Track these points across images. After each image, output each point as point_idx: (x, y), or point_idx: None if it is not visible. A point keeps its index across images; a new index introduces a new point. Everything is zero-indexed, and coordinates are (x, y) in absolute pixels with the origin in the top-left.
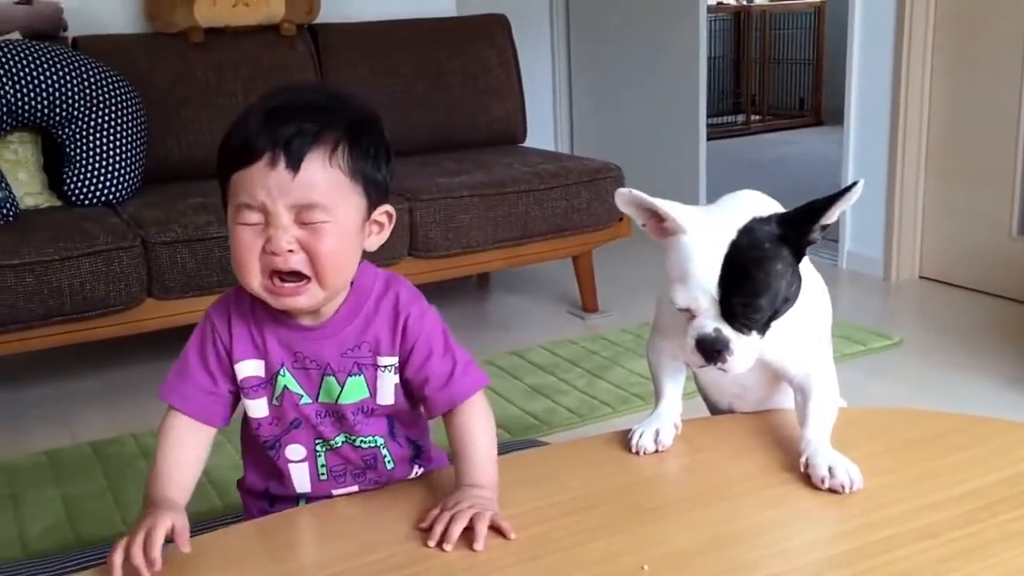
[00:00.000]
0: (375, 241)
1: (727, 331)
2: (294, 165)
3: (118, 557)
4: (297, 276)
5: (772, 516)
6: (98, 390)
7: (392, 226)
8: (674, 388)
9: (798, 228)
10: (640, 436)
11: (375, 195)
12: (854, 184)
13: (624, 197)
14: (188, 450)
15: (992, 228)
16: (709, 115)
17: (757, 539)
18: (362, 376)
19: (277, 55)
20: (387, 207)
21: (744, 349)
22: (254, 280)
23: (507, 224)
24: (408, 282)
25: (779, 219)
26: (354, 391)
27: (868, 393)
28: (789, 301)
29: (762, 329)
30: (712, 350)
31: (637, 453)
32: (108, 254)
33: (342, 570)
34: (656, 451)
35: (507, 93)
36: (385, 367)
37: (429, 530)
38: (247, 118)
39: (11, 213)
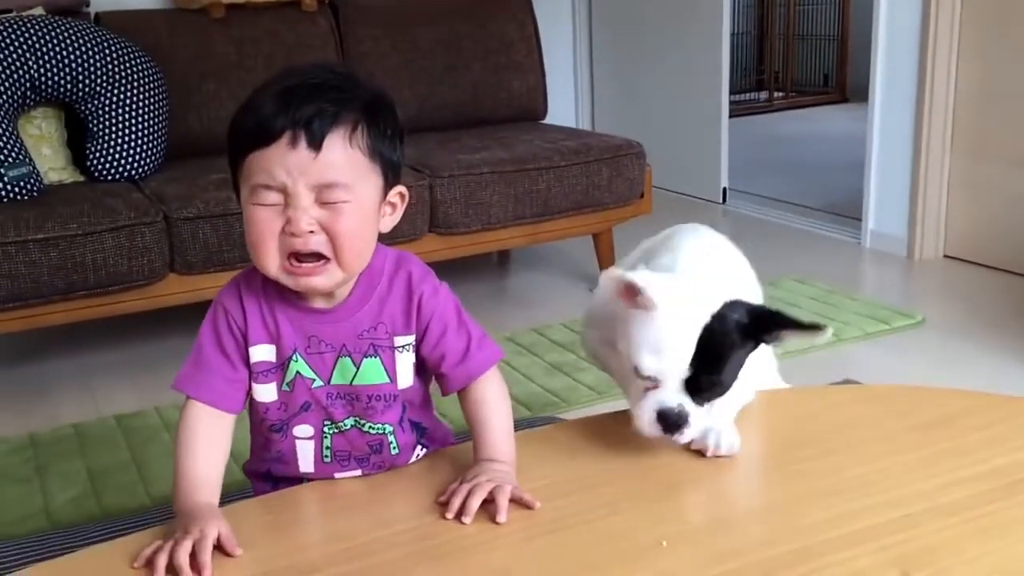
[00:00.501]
0: (389, 222)
1: (688, 405)
2: (316, 144)
3: (162, 559)
4: (316, 257)
5: (789, 493)
6: (122, 364)
7: (404, 207)
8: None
9: (761, 328)
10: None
11: (391, 176)
12: (822, 328)
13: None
14: (216, 445)
15: (1018, 206)
16: (732, 92)
17: (773, 516)
18: (378, 358)
19: (298, 30)
20: (401, 188)
21: (698, 422)
22: (272, 262)
23: (528, 201)
24: (418, 259)
25: (748, 311)
26: (371, 374)
27: (890, 372)
28: (726, 390)
29: (712, 403)
30: (674, 423)
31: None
32: (131, 229)
33: (356, 544)
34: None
35: (528, 69)
36: (402, 347)
37: (447, 504)
38: (260, 98)
39: (35, 188)
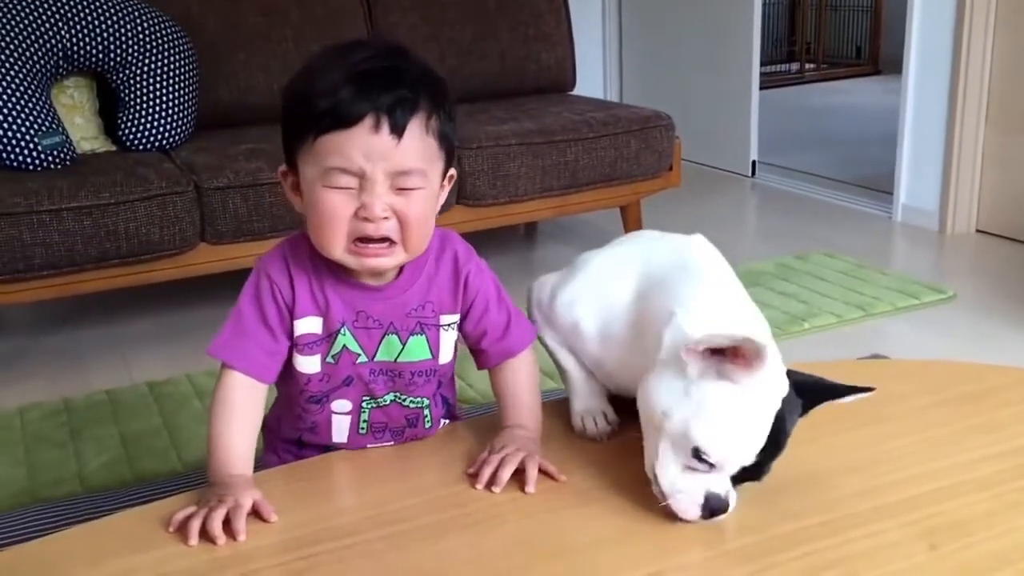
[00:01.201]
0: (438, 203)
1: (732, 491)
2: (399, 131)
3: (196, 524)
4: (383, 240)
5: (819, 467)
6: (153, 332)
7: (450, 187)
8: (568, 354)
9: (812, 404)
10: (594, 422)
11: (449, 159)
12: (869, 390)
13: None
14: (251, 416)
15: None
16: (762, 63)
17: (803, 488)
18: (424, 336)
19: (328, 1)
20: (452, 170)
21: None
22: (338, 245)
23: (555, 173)
24: (460, 237)
25: (795, 383)
26: (416, 350)
27: (921, 347)
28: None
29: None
30: (717, 510)
31: (597, 440)
32: (163, 199)
33: (386, 511)
34: (612, 432)
35: (557, 40)
36: (448, 325)
37: (477, 475)
38: (331, 78)
39: (68, 157)
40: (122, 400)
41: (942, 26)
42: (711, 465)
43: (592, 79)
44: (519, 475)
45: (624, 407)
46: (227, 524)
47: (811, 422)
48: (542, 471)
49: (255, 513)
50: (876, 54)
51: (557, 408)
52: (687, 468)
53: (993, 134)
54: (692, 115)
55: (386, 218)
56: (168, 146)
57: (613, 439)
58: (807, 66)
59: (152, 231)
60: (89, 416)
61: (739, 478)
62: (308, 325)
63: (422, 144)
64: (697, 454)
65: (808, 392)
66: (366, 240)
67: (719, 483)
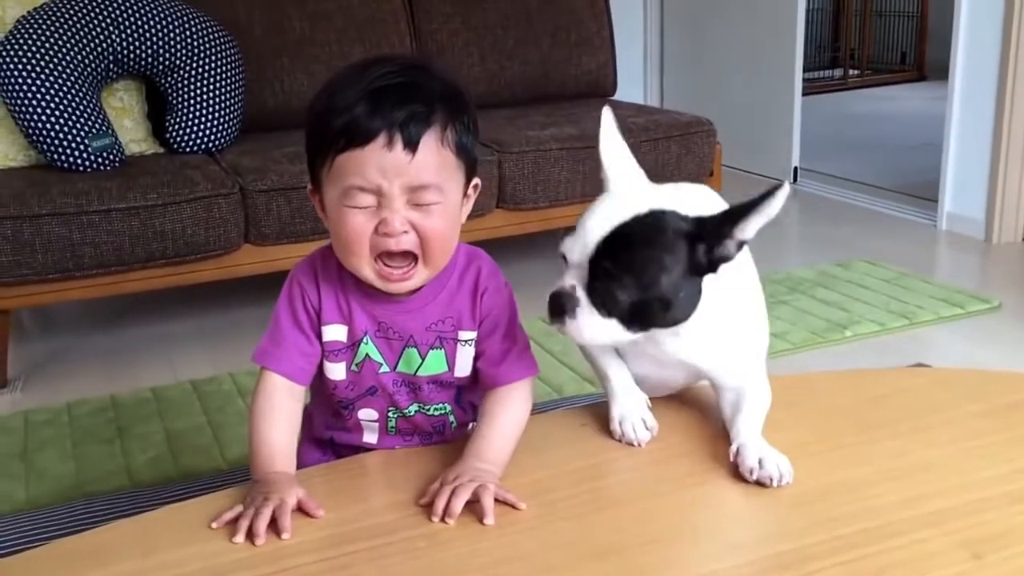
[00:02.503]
0: (463, 213)
1: (583, 298)
2: (412, 146)
3: (244, 524)
4: (406, 256)
5: (860, 474)
6: (198, 331)
7: (476, 196)
8: (619, 361)
9: (712, 234)
10: (632, 428)
11: (471, 170)
12: (776, 189)
13: (607, 126)
14: (291, 416)
15: None
16: (805, 69)
17: (844, 495)
18: (443, 350)
19: (371, 6)
20: (476, 179)
21: (590, 323)
22: (364, 264)
23: (595, 178)
24: (489, 258)
25: (696, 220)
26: (434, 364)
27: (965, 357)
28: (670, 310)
29: (623, 317)
30: (557, 305)
31: (635, 445)
32: (208, 200)
33: (425, 510)
34: (651, 438)
35: (598, 45)
36: (465, 341)
37: (431, 506)
38: (345, 97)
39: (118, 159)
40: (167, 398)
41: (990, 32)
42: (564, 260)
43: (633, 84)
44: (476, 505)
45: (663, 415)
46: (273, 521)
47: (852, 429)
48: (500, 500)
49: (300, 510)
50: (922, 60)
51: (594, 410)
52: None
53: None
54: (733, 121)
55: (405, 232)
56: (214, 149)
57: (652, 444)
58: (851, 72)
59: (198, 232)
60: (135, 413)
61: (592, 288)
62: (334, 332)
63: (438, 158)
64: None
65: (703, 227)
66: (389, 256)
67: (566, 282)
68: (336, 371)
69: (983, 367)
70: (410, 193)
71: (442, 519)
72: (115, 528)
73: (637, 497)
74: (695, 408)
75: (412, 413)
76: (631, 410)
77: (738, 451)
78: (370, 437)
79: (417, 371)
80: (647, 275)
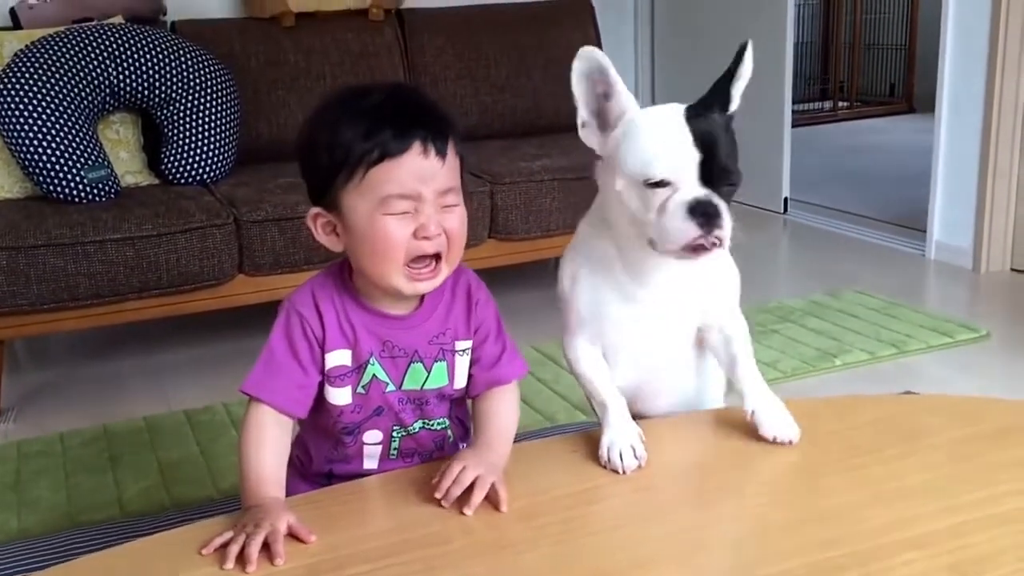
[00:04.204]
0: None
1: (715, 198)
2: (443, 153)
3: (234, 549)
4: (432, 258)
5: (848, 498)
6: (192, 361)
7: None
8: (614, 390)
9: (718, 92)
10: (621, 456)
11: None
12: (743, 47)
13: (586, 62)
14: (281, 445)
15: None
16: (795, 101)
17: (832, 519)
18: (444, 362)
19: (365, 39)
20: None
21: (728, 221)
22: (396, 270)
23: (587, 208)
24: (471, 270)
25: (702, 102)
26: (438, 377)
27: (953, 385)
28: (739, 181)
29: (729, 205)
30: (711, 213)
31: (621, 473)
32: (203, 231)
33: (418, 534)
34: (639, 467)
35: None
36: (462, 351)
37: (438, 484)
38: (365, 117)
39: (113, 190)
40: (160, 428)
41: (975, 64)
42: (665, 182)
43: None
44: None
45: (650, 442)
46: (265, 548)
47: (841, 453)
48: (489, 496)
49: (292, 535)
50: (911, 92)
51: (587, 437)
52: (661, 206)
53: None
54: None
55: (439, 234)
56: (209, 180)
57: (639, 471)
58: (840, 104)
59: (192, 262)
60: (128, 443)
61: (711, 187)
62: (339, 358)
63: (455, 163)
64: (647, 183)
65: (713, 91)
66: (418, 260)
67: (696, 191)
68: (341, 396)
69: (972, 395)
70: (440, 197)
71: (459, 510)
72: (106, 556)
73: (626, 523)
74: (682, 437)
75: (416, 430)
76: (623, 438)
77: (753, 413)
78: (370, 463)
79: (424, 385)
80: (736, 153)
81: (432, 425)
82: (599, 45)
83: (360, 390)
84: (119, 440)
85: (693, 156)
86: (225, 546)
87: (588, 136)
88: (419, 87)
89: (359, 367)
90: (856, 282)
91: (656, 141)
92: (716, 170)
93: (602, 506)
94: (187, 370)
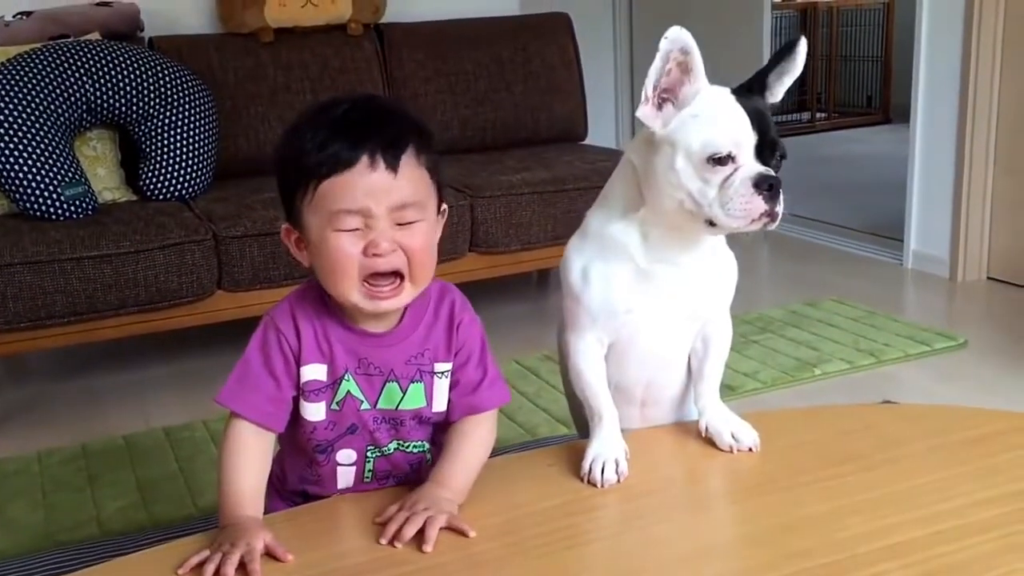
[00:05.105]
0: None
1: (772, 172)
2: (394, 166)
3: (210, 568)
4: (392, 276)
5: (824, 508)
6: (171, 378)
7: (444, 221)
8: (610, 400)
9: (760, 82)
10: (602, 470)
11: (440, 194)
12: (793, 43)
13: (672, 42)
14: (259, 462)
15: None
16: (773, 113)
17: (808, 529)
18: (422, 383)
19: (344, 54)
20: (444, 205)
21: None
22: (352, 288)
23: (567, 221)
24: (459, 291)
25: (742, 87)
26: (414, 398)
27: (931, 394)
28: (787, 154)
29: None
30: (775, 185)
31: (599, 487)
32: (181, 247)
33: (394, 552)
34: (618, 482)
35: (569, 92)
36: (441, 373)
37: (384, 528)
38: (319, 131)
39: (90, 207)
40: (139, 445)
41: (948, 75)
42: (727, 157)
43: (604, 129)
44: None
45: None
46: (241, 567)
47: (817, 464)
48: (453, 528)
49: (268, 555)
50: (887, 103)
51: (572, 448)
52: (721, 185)
53: (1002, 181)
54: None
55: (393, 251)
56: (188, 196)
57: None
58: (818, 115)
59: (171, 279)
60: (107, 461)
61: (763, 160)
62: (313, 372)
63: (417, 177)
64: (712, 158)
65: (757, 79)
66: (377, 277)
67: (758, 166)
68: (315, 412)
69: (949, 403)
70: (394, 212)
71: (391, 542)
72: (85, 575)
73: (604, 535)
74: (659, 449)
75: (391, 451)
76: (609, 452)
77: (707, 429)
78: (344, 484)
79: (399, 405)
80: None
81: (408, 447)
82: (577, 59)
83: (334, 406)
84: (97, 458)
85: (751, 133)
86: (201, 565)
87: (648, 114)
88: (396, 99)
89: (334, 383)
90: (835, 292)
91: (724, 118)
92: (768, 145)
93: (580, 518)
94: (166, 387)
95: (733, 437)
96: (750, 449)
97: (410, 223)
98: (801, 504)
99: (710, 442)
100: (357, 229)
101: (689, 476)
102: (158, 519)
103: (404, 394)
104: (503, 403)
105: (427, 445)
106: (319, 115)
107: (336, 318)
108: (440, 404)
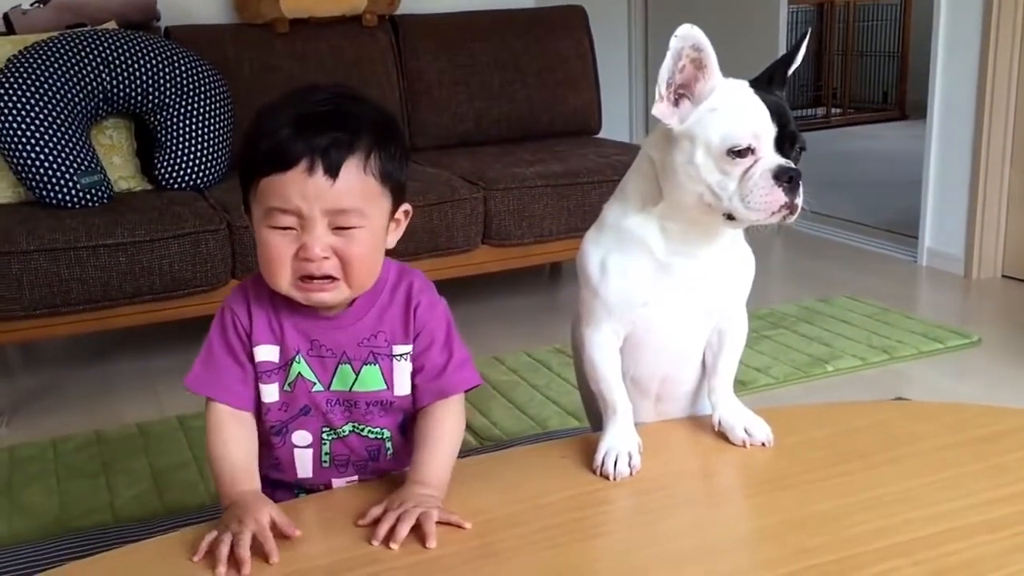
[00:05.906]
0: (393, 238)
1: (792, 164)
2: (332, 172)
3: (224, 550)
4: (326, 278)
5: (833, 505)
6: (184, 367)
7: (408, 222)
8: (625, 394)
9: (777, 74)
10: (615, 464)
11: (398, 196)
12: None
13: (683, 40)
14: (244, 438)
15: None
16: None
17: (817, 526)
18: (377, 366)
19: (359, 45)
20: (406, 206)
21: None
22: (284, 281)
23: (580, 214)
24: (422, 274)
25: (759, 80)
26: (370, 380)
27: (944, 392)
28: (806, 146)
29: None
30: (795, 178)
31: (611, 479)
32: (196, 236)
33: (360, 553)
34: (631, 475)
35: (583, 84)
36: (400, 356)
37: (375, 529)
38: (273, 123)
39: (106, 196)
40: (153, 433)
41: (966, 71)
42: (748, 150)
43: (618, 122)
44: (420, 531)
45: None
46: (255, 547)
47: (828, 460)
48: (444, 522)
49: (274, 531)
50: (903, 99)
51: (585, 441)
52: (741, 176)
53: (1018, 178)
54: None
55: (326, 258)
56: (203, 185)
57: (629, 477)
58: (833, 111)
59: (185, 268)
60: (121, 448)
61: (783, 152)
62: (265, 353)
63: (360, 183)
64: (732, 151)
65: (773, 70)
66: (308, 279)
67: (778, 158)
68: (269, 393)
69: (962, 401)
70: (331, 217)
71: (385, 543)
72: (98, 561)
73: (615, 528)
74: (670, 443)
75: (346, 433)
76: (623, 445)
77: (720, 423)
78: (303, 472)
79: (352, 387)
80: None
81: (363, 431)
82: (592, 52)
83: (286, 388)
84: (112, 445)
85: (771, 125)
86: (215, 548)
87: (664, 111)
88: (365, 95)
89: (285, 364)
90: (848, 288)
91: (743, 111)
92: (788, 138)
93: (590, 511)
94: (180, 375)
95: (746, 432)
96: (763, 444)
97: (351, 228)
98: (811, 500)
99: (723, 436)
100: (291, 228)
101: (701, 471)
102: (171, 506)
103: (357, 376)
104: (472, 386)
105: (387, 433)
106: (287, 104)
107: (288, 302)
108: (403, 387)
